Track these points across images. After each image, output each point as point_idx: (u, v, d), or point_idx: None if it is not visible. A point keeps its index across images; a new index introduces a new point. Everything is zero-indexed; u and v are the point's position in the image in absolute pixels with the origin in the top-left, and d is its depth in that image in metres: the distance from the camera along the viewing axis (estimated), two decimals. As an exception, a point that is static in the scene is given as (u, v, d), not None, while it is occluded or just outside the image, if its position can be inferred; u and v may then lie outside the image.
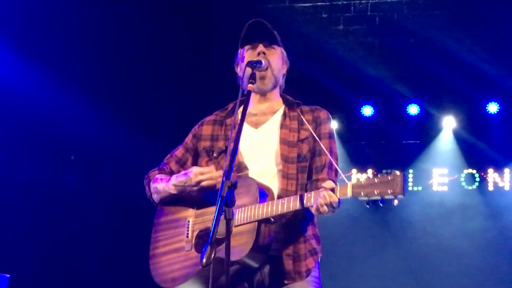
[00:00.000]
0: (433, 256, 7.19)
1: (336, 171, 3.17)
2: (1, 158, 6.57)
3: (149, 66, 7.17)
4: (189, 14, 7.21)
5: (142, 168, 6.74)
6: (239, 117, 2.95)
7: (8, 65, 6.48)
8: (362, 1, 7.28)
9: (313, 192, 2.95)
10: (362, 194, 2.80)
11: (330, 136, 3.24)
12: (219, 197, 2.59)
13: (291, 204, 2.95)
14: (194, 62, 7.24)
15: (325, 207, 2.87)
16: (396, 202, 2.79)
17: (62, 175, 7.02)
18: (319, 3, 7.29)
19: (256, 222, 2.96)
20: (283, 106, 3.31)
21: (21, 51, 6.48)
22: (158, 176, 3.36)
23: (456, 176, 7.32)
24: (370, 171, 7.43)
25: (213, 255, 2.51)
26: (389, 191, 2.76)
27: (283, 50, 3.33)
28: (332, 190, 2.88)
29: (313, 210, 2.93)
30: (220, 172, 3.10)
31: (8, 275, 3.56)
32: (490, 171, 7.26)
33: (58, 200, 6.89)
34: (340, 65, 7.07)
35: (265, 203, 2.98)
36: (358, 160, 7.36)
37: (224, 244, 2.60)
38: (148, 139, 7.03)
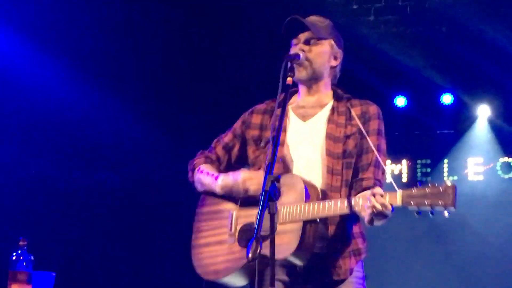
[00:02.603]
0: (470, 246, 7.13)
1: (384, 170, 3.11)
2: (33, 158, 6.65)
3: (175, 64, 7.18)
4: (216, 8, 7.19)
5: (169, 166, 6.79)
6: (280, 110, 2.91)
7: (42, 67, 6.55)
8: (393, -9, 7.23)
9: (361, 196, 2.91)
10: (413, 203, 2.79)
11: (379, 132, 3.16)
12: (262, 192, 2.58)
13: (338, 207, 2.92)
14: (221, 59, 7.23)
15: (376, 215, 2.83)
16: (446, 213, 2.78)
17: (94, 174, 7.07)
18: (349, -6, 7.27)
19: (302, 222, 2.94)
20: (332, 100, 3.26)
21: (53, 53, 6.54)
22: (203, 167, 3.33)
23: (491, 164, 7.26)
24: (404, 161, 7.40)
25: (258, 250, 2.52)
26: (440, 203, 2.76)
27: (332, 41, 3.26)
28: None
29: (365, 217, 2.89)
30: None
31: (54, 273, 3.59)
32: (526, 159, 7.20)
33: (91, 198, 6.96)
34: (372, 56, 7.03)
35: (312, 202, 2.96)
36: (392, 151, 7.21)
37: (268, 241, 2.58)
38: (175, 138, 7.06)
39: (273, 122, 2.97)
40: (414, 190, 2.80)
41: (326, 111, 3.23)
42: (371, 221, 2.89)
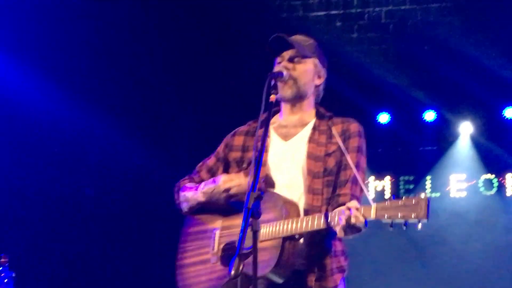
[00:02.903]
0: (451, 262, 7.15)
1: (362, 187, 3.11)
2: (18, 171, 6.62)
3: (164, 78, 7.19)
4: (202, 28, 7.21)
5: (159, 179, 6.78)
6: (263, 128, 2.93)
7: (26, 80, 6.52)
8: (376, 9, 7.27)
9: (337, 211, 2.91)
10: (386, 216, 2.80)
11: (359, 150, 3.17)
12: (245, 209, 2.58)
13: (315, 222, 2.93)
14: (208, 74, 7.24)
15: (350, 228, 2.85)
16: (419, 226, 2.78)
17: (80, 188, 7.03)
18: (333, 12, 7.30)
19: (281, 238, 2.94)
20: (314, 118, 3.26)
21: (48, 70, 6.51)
22: (188, 184, 3.36)
23: (474, 181, 7.30)
24: (387, 178, 7.42)
25: (241, 268, 2.51)
26: (412, 215, 2.77)
27: (316, 60, 3.26)
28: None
29: (338, 230, 2.89)
30: (248, 179, 3.04)
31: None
32: (508, 176, 7.22)
33: (77, 214, 6.92)
34: (355, 73, 7.07)
35: (290, 219, 2.96)
36: (376, 168, 7.32)
37: (250, 259, 2.57)
38: (165, 150, 7.04)
39: (255, 143, 2.96)
40: (388, 203, 2.82)
41: (307, 130, 3.23)
42: (344, 233, 2.89)
